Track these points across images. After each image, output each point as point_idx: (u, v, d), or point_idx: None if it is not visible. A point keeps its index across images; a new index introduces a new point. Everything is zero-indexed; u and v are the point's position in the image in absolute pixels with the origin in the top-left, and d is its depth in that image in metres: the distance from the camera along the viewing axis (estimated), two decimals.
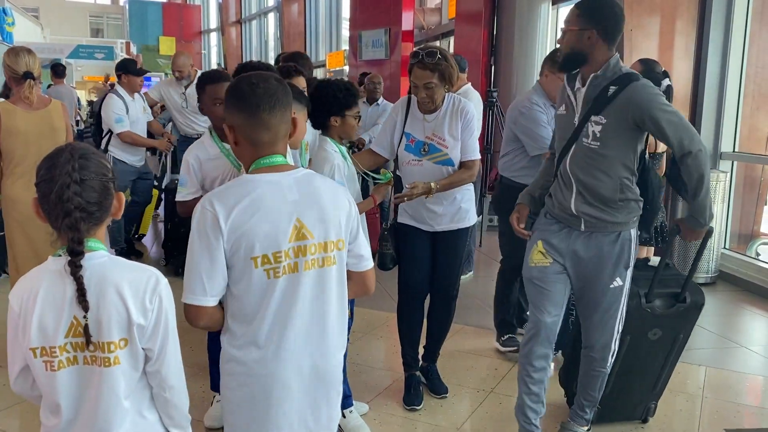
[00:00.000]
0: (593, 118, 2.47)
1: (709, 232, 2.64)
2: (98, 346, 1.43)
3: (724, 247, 5.59)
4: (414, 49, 10.78)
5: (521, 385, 2.77)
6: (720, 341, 4.25)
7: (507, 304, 3.87)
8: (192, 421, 1.64)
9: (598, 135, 2.46)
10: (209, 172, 2.72)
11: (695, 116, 5.65)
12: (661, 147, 4.16)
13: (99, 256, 1.45)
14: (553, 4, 7.94)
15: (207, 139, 2.79)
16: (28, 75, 3.44)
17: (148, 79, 17.84)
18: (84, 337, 1.42)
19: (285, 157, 1.72)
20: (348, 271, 1.77)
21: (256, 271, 1.62)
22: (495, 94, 7.09)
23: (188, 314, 1.66)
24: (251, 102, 1.63)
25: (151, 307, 1.45)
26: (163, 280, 1.49)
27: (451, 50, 10.08)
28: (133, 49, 27.01)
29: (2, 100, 5.07)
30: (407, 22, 11.88)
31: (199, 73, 5.89)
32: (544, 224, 2.71)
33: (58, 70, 9.85)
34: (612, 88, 2.43)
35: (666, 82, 3.56)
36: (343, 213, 1.71)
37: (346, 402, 2.84)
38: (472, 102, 4.83)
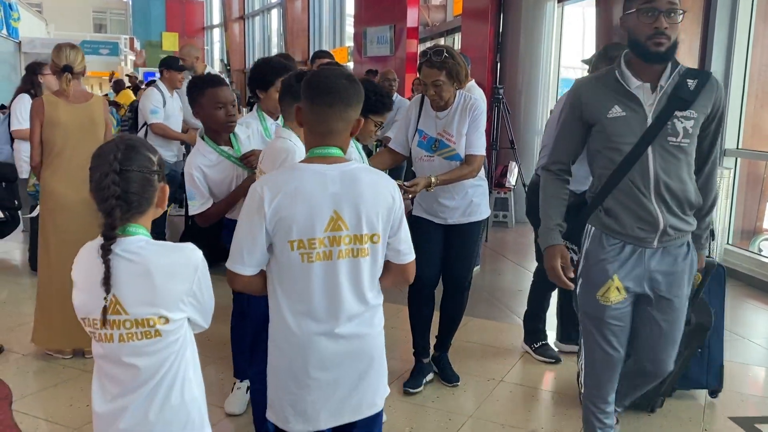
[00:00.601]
0: (679, 113, 2.21)
1: (710, 264, 2.59)
2: (139, 324, 1.55)
3: (728, 243, 5.68)
4: (419, 46, 10.81)
5: (593, 423, 2.50)
6: (725, 334, 4.34)
7: (542, 314, 3.88)
8: (213, 407, 1.74)
9: (690, 131, 2.22)
10: (214, 177, 2.77)
11: None
12: None
13: (138, 240, 1.56)
14: (558, 2, 8.01)
15: (202, 146, 2.81)
16: (66, 68, 3.56)
17: (152, 74, 17.92)
18: (102, 315, 1.53)
19: (343, 150, 1.81)
20: (387, 262, 1.87)
21: (292, 254, 1.74)
22: (501, 91, 7.17)
23: (227, 276, 1.82)
24: (316, 94, 1.76)
25: (195, 279, 1.59)
26: (197, 255, 1.61)
27: (458, 47, 10.16)
28: (137, 45, 27.10)
29: (24, 94, 5.20)
30: (412, 18, 11.92)
31: (209, 69, 5.97)
32: (610, 252, 2.31)
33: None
34: (690, 81, 2.22)
35: None
36: (383, 208, 1.79)
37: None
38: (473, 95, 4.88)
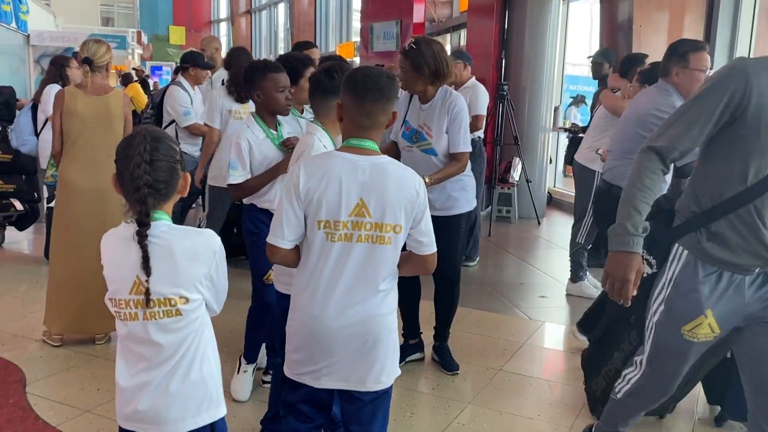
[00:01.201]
0: None
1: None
2: (162, 303, 1.66)
3: None
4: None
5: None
6: None
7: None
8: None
9: None
10: (257, 155, 2.87)
11: None
12: None
13: (162, 225, 1.66)
14: (563, 1, 8.07)
15: (252, 123, 2.93)
16: (85, 60, 3.67)
17: (158, 68, 17.99)
18: (145, 296, 1.64)
19: (376, 143, 1.93)
20: (410, 252, 1.98)
21: (319, 232, 1.89)
22: (505, 88, 7.24)
23: (267, 250, 1.95)
24: (361, 91, 1.89)
25: (212, 262, 1.71)
26: (216, 240, 1.72)
27: (463, 44, 10.22)
28: (144, 39, 27.19)
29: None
30: (418, 14, 11.98)
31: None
32: (705, 283, 1.98)
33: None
34: None
35: None
36: (406, 201, 1.90)
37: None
38: (478, 95, 4.98)
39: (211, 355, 1.77)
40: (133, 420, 1.72)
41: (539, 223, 7.61)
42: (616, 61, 5.69)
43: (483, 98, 5.29)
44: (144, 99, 10.06)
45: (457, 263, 3.51)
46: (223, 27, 30.67)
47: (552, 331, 4.34)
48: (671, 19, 5.93)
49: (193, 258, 1.67)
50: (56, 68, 5.47)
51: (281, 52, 24.11)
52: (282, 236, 1.91)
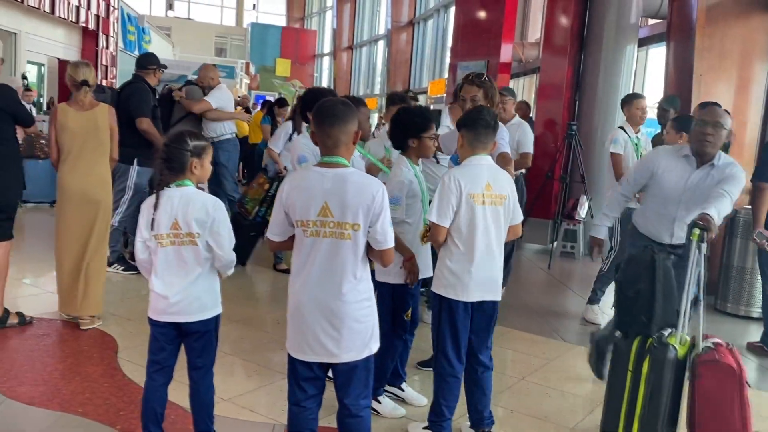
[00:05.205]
0: None
1: None
2: (186, 235, 2.59)
3: None
4: (510, 82, 11.25)
5: None
6: None
7: None
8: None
9: None
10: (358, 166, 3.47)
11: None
12: None
13: (186, 186, 2.60)
14: (639, 46, 8.32)
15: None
16: (84, 83, 4.27)
17: (262, 97, 19.20)
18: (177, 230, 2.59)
19: (345, 158, 2.43)
20: (370, 246, 2.44)
21: (298, 229, 2.43)
22: (574, 127, 7.55)
23: (267, 242, 2.62)
24: (320, 118, 2.43)
25: (210, 216, 2.56)
26: (219, 203, 2.62)
27: (536, 84, 10.54)
28: (252, 69, 28.92)
29: None
30: (506, 54, 12.39)
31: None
32: None
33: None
34: None
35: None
36: (364, 204, 2.35)
37: (377, 391, 3.33)
38: (526, 133, 5.43)
39: (214, 273, 2.73)
40: None
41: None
42: (680, 108, 5.89)
43: (530, 136, 5.50)
44: (245, 126, 10.85)
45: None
46: (326, 61, 32.20)
47: (580, 352, 4.61)
48: (735, 67, 6.08)
49: (200, 209, 2.58)
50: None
51: (378, 86, 25.16)
52: (272, 232, 2.51)
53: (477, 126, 2.99)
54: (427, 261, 3.35)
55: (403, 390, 3.53)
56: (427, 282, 3.24)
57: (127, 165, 5.50)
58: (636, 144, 5.24)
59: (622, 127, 5.35)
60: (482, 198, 2.92)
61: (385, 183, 2.74)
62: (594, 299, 5.35)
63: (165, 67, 5.88)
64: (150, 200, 2.62)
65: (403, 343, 3.39)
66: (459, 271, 2.94)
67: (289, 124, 5.61)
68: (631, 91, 8.28)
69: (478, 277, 2.95)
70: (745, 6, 6.13)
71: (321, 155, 2.46)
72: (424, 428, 3.13)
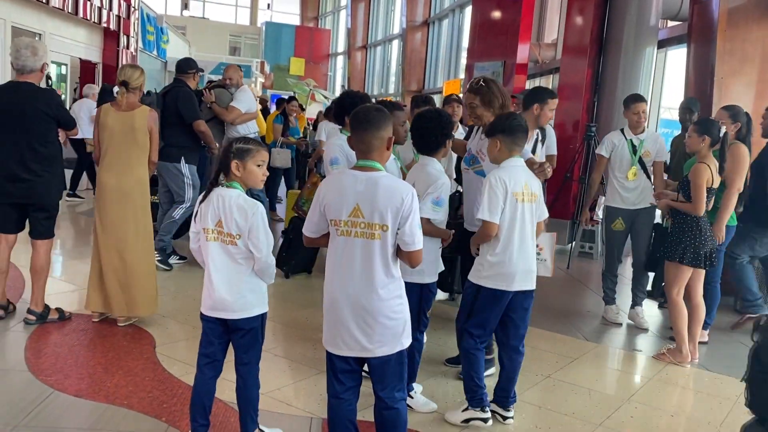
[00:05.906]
0: None
1: None
2: (227, 235, 2.74)
3: None
4: (527, 83, 11.27)
5: None
6: None
7: None
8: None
9: None
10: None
11: None
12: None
13: (233, 188, 2.76)
14: (658, 48, 8.37)
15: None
16: (122, 83, 4.40)
17: (277, 96, 19.35)
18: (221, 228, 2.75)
19: (379, 162, 2.55)
20: (399, 248, 2.54)
21: (331, 228, 2.56)
22: (593, 129, 7.63)
23: (303, 238, 2.73)
24: (355, 124, 2.58)
25: (249, 222, 2.69)
26: (260, 206, 2.73)
27: (556, 84, 10.61)
28: (267, 68, 29.08)
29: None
30: (522, 55, 12.44)
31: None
32: None
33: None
34: None
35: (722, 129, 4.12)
36: (393, 207, 2.45)
37: (409, 386, 3.44)
38: (549, 135, 5.51)
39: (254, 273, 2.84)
40: None
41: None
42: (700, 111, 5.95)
43: (554, 138, 5.59)
44: (264, 124, 11.01)
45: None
46: (340, 60, 32.30)
47: (603, 350, 4.72)
48: (755, 71, 6.12)
49: (240, 213, 2.71)
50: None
51: (393, 85, 25.23)
52: (308, 228, 2.65)
53: (515, 131, 3.26)
54: (439, 258, 3.44)
55: (412, 398, 3.50)
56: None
57: (175, 163, 5.91)
58: (635, 146, 5.22)
59: (622, 129, 5.40)
60: (522, 196, 3.21)
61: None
62: (608, 299, 5.44)
63: (202, 70, 6.12)
64: (202, 195, 2.81)
65: (417, 342, 3.47)
66: (501, 263, 3.21)
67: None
68: (650, 91, 8.36)
69: (519, 268, 3.23)
70: (765, 9, 6.17)
71: (357, 159, 2.60)
72: (464, 410, 3.34)
